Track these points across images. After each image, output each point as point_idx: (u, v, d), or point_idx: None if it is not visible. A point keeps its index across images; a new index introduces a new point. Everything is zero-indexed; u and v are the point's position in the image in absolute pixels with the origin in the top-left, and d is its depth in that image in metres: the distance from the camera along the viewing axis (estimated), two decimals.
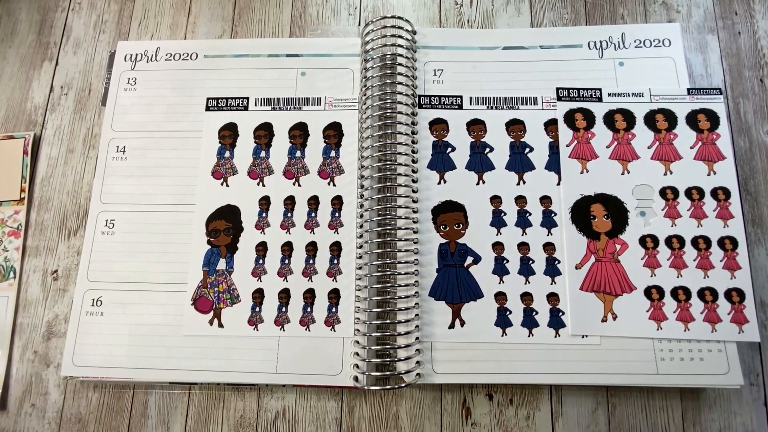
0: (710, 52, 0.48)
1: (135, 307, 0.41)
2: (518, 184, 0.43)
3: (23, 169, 0.46)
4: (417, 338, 0.39)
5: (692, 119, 0.43)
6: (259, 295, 0.41)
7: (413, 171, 0.43)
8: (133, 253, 0.42)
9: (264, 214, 0.42)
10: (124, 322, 0.41)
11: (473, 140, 0.44)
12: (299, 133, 0.44)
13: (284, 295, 0.41)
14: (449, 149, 0.43)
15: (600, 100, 0.44)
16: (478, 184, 0.43)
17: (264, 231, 0.42)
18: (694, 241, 0.40)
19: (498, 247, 0.41)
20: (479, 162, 0.43)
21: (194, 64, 0.48)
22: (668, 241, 0.40)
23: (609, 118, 0.44)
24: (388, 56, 0.46)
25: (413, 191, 0.42)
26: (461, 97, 0.45)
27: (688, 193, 0.41)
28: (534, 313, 0.39)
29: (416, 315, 0.39)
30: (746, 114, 0.46)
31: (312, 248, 0.42)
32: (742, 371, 0.38)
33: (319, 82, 0.46)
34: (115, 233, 0.43)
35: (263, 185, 0.43)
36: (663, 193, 0.42)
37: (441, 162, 0.43)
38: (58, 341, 0.42)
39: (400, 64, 0.45)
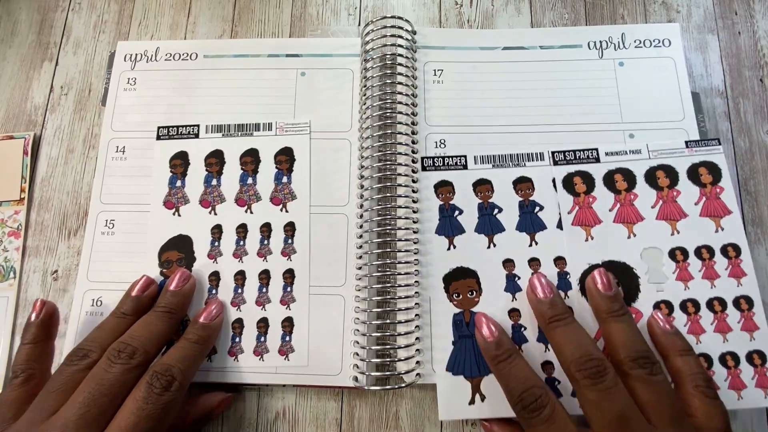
0: (710, 52, 0.48)
1: None
2: (530, 245, 0.41)
3: (23, 169, 0.46)
4: (417, 338, 0.39)
5: (694, 173, 0.42)
6: None
7: (413, 171, 0.43)
8: (133, 253, 0.42)
9: (216, 243, 0.42)
10: None
11: (480, 201, 0.42)
12: (250, 160, 0.44)
13: (237, 325, 0.40)
14: (456, 212, 0.42)
15: (597, 160, 0.43)
16: (489, 247, 0.41)
17: (216, 260, 0.41)
18: (710, 304, 0.39)
19: (514, 313, 0.39)
20: (488, 224, 0.41)
21: (194, 64, 0.48)
22: (683, 305, 0.39)
23: (609, 179, 0.42)
24: (388, 56, 0.46)
25: (413, 191, 0.42)
26: (465, 157, 0.43)
27: (698, 252, 0.40)
28: (556, 382, 0.37)
29: (416, 315, 0.39)
30: (746, 114, 0.46)
31: (265, 276, 0.41)
32: None
33: (319, 83, 0.46)
34: (115, 233, 0.43)
35: (215, 214, 0.42)
36: (672, 254, 0.40)
37: (449, 226, 0.42)
38: (58, 341, 0.42)
39: (400, 64, 0.45)
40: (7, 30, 0.51)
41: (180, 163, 0.44)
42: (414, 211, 0.42)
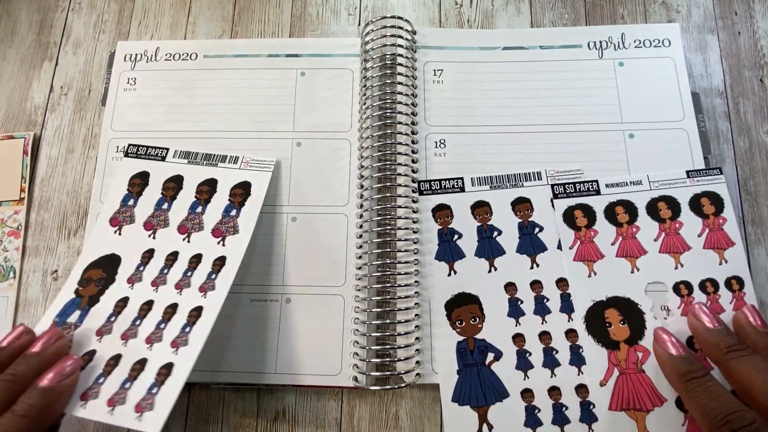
0: (710, 52, 0.48)
1: None
2: (531, 267, 0.40)
3: (23, 169, 0.46)
4: (417, 338, 0.39)
5: (696, 204, 0.41)
6: (89, 359, 0.35)
7: (413, 171, 0.43)
8: None
9: (141, 268, 0.40)
10: None
11: (479, 224, 0.42)
12: (207, 189, 0.43)
13: (113, 362, 0.35)
14: (456, 236, 0.41)
15: (598, 192, 0.42)
16: (490, 271, 0.40)
17: (133, 286, 0.39)
18: None
19: (518, 339, 0.39)
20: (488, 247, 0.41)
21: (194, 64, 0.48)
22: (689, 341, 0.37)
23: (610, 212, 0.41)
24: (388, 56, 0.46)
25: (413, 191, 0.42)
26: (462, 179, 0.43)
27: (702, 286, 0.39)
28: (564, 408, 0.37)
29: (416, 315, 0.39)
30: (746, 114, 0.46)
31: (171, 310, 0.37)
32: None
33: (318, 82, 0.46)
34: None
35: (154, 238, 0.41)
36: (677, 289, 0.39)
37: (449, 251, 0.41)
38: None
39: (400, 64, 0.45)
40: (7, 30, 0.51)
41: (139, 182, 0.43)
42: (414, 211, 0.42)
